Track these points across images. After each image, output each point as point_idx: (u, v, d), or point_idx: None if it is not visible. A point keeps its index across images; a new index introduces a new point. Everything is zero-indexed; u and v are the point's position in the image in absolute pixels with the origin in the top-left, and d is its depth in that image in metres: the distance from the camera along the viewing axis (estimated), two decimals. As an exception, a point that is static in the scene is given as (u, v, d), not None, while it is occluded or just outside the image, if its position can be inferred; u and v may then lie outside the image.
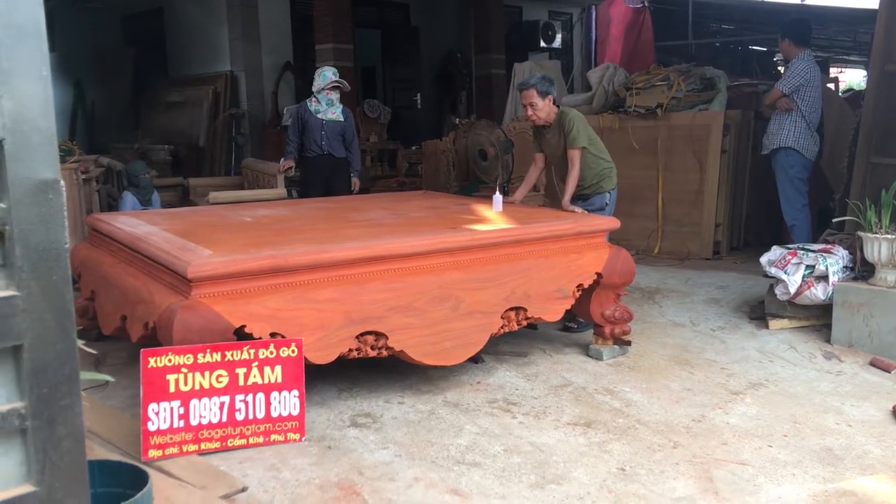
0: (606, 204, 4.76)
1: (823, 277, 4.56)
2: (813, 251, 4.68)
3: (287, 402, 3.24)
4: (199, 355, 3.09)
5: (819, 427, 3.48)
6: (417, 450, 3.22)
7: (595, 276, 4.13)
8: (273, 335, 3.25)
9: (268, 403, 3.22)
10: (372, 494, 2.86)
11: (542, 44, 13.36)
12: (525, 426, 3.46)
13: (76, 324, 3.89)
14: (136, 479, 2.10)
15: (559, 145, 4.76)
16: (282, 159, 6.33)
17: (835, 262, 4.57)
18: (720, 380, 4.05)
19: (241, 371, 3.17)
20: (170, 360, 3.04)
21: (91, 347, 3.06)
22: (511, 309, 3.85)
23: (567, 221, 4.18)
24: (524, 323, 3.96)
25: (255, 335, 3.22)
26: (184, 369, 3.06)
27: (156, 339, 3.24)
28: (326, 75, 6.11)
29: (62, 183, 1.34)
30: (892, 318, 4.28)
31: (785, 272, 4.64)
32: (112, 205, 6.92)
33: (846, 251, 4.68)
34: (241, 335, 3.21)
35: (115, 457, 2.88)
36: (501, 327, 3.83)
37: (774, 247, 4.91)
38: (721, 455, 3.20)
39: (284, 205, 5.23)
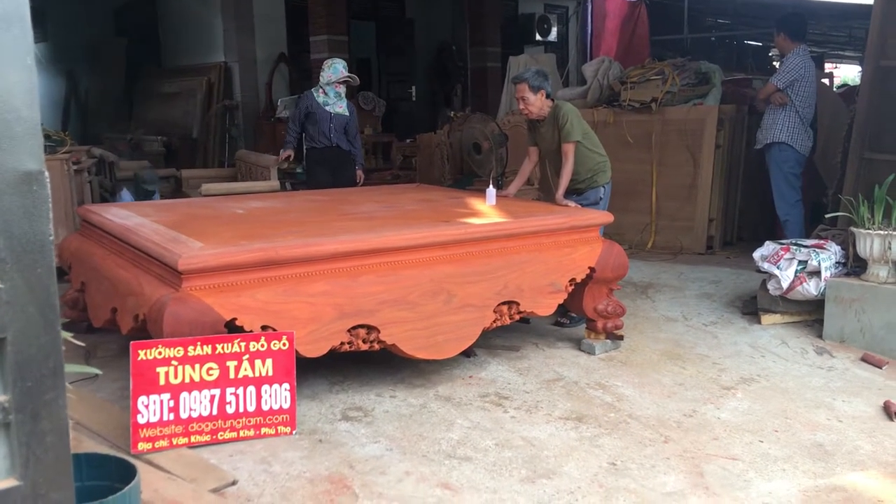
0: (601, 198, 4.76)
1: (816, 273, 4.56)
2: (806, 246, 4.69)
3: (278, 396, 3.23)
4: (190, 348, 3.07)
5: (810, 422, 3.48)
6: (409, 444, 3.22)
7: (588, 271, 4.12)
8: (264, 328, 3.23)
9: (258, 397, 3.20)
10: (362, 488, 2.85)
11: (538, 37, 13.34)
12: (517, 420, 3.46)
13: (66, 315, 3.87)
14: (124, 472, 2.09)
15: (553, 139, 4.75)
16: (281, 150, 6.27)
17: (827, 257, 4.57)
18: (712, 375, 4.05)
19: (231, 364, 3.16)
20: (160, 353, 3.02)
21: (81, 339, 3.05)
22: (503, 303, 3.84)
23: (560, 216, 4.17)
24: (517, 317, 3.95)
25: (246, 328, 3.20)
26: (174, 362, 3.05)
27: (146, 331, 3.22)
28: (337, 69, 6.02)
29: (47, 174, 1.32)
30: (884, 313, 4.29)
31: (777, 267, 4.64)
32: (105, 197, 6.89)
33: (839, 247, 4.69)
34: (233, 328, 3.20)
35: (104, 449, 2.87)
36: (494, 321, 3.82)
37: (767, 242, 4.91)
38: (712, 450, 3.21)
39: (277, 197, 5.21)
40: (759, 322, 4.83)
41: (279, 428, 3.23)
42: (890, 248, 4.26)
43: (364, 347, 3.49)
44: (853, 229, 4.45)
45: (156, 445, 3.00)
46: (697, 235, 6.79)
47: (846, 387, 3.91)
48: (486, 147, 6.33)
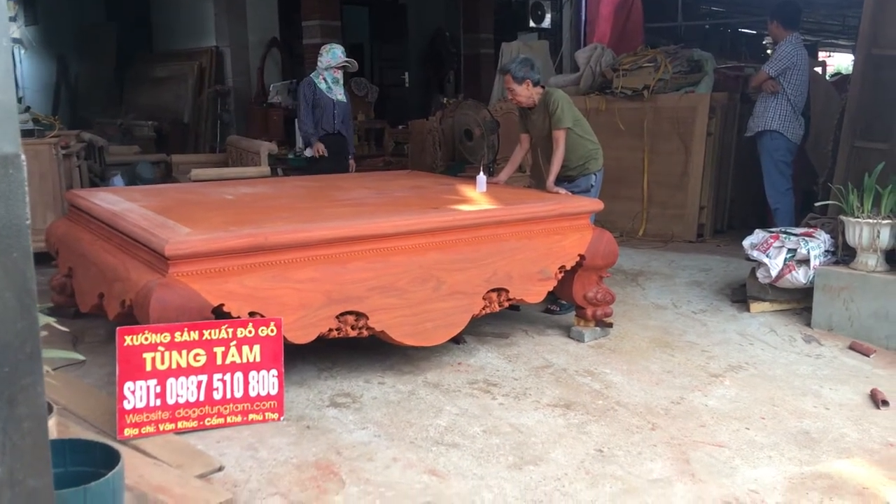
0: (592, 185, 4.75)
1: (805, 261, 4.57)
2: (795, 235, 4.69)
3: (266, 382, 3.22)
4: (177, 334, 3.06)
5: (797, 410, 3.50)
6: (396, 430, 3.22)
7: (578, 258, 4.12)
8: (252, 314, 3.22)
9: (246, 383, 3.20)
10: (349, 474, 2.85)
11: (532, 23, 13.28)
12: (505, 407, 3.46)
13: (53, 301, 3.85)
14: (109, 458, 2.08)
15: (544, 126, 4.73)
16: (307, 148, 6.07)
17: (816, 245, 4.58)
18: (700, 362, 4.06)
19: (219, 350, 3.15)
20: (146, 339, 3.01)
21: (68, 325, 3.04)
22: (493, 290, 3.84)
23: (550, 203, 4.16)
24: (506, 304, 3.95)
25: (234, 314, 3.19)
26: (161, 348, 3.03)
27: (133, 317, 3.21)
28: (336, 54, 5.95)
29: (23, 157, 1.30)
30: (872, 302, 4.30)
31: (767, 255, 4.65)
32: (94, 182, 6.85)
33: (828, 235, 4.69)
34: (220, 314, 3.18)
35: (90, 435, 2.86)
36: (483, 308, 3.82)
37: (757, 230, 4.91)
38: (699, 437, 3.22)
39: (267, 183, 5.19)
40: (748, 310, 4.84)
41: (267, 414, 3.23)
42: (879, 237, 4.27)
43: (353, 334, 3.48)
44: (842, 218, 4.45)
45: (142, 431, 2.99)
46: (688, 223, 6.79)
47: (834, 375, 3.92)
48: (478, 134, 6.31)
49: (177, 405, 3.08)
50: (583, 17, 14.44)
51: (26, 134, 5.41)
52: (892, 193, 4.25)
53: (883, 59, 5.38)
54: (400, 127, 9.85)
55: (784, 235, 4.69)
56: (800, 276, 4.58)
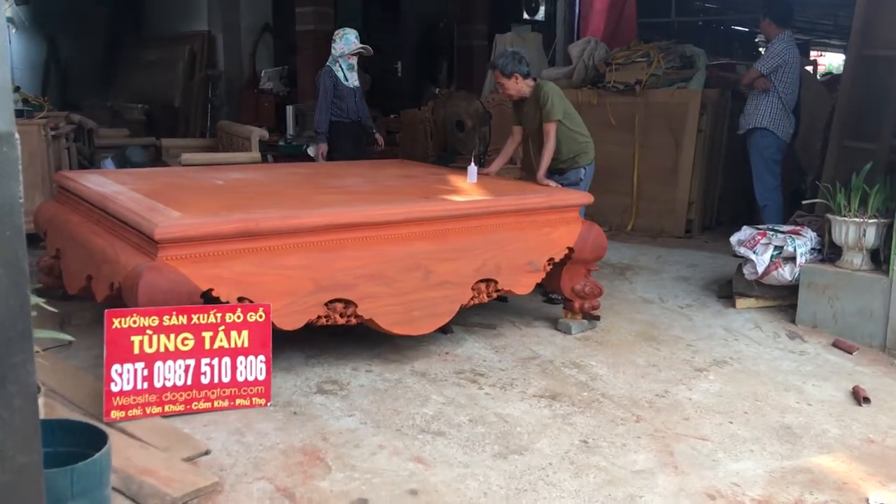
0: (581, 179, 4.76)
1: (791, 258, 4.61)
2: (782, 232, 4.73)
3: (253, 367, 3.23)
4: (165, 317, 3.07)
5: (779, 405, 3.54)
6: (383, 418, 3.23)
7: (566, 251, 4.14)
8: (241, 300, 3.23)
9: (234, 368, 3.20)
10: (335, 460, 2.87)
11: (526, 15, 13.27)
12: (491, 397, 3.48)
13: (41, 282, 3.83)
14: (96, 439, 2.09)
15: (535, 118, 4.74)
16: (311, 145, 5.95)
17: (803, 243, 4.61)
18: (685, 356, 4.10)
19: (207, 335, 3.15)
20: (134, 322, 3.01)
21: (56, 307, 3.03)
22: (482, 280, 3.85)
23: (540, 195, 4.18)
24: (494, 295, 3.96)
25: (223, 299, 3.20)
26: (149, 331, 3.04)
27: (121, 299, 3.21)
28: (349, 39, 5.80)
29: (17, 136, 1.30)
30: (856, 300, 4.34)
31: (754, 252, 4.68)
32: (83, 164, 6.81)
33: (815, 233, 4.73)
34: (209, 299, 3.19)
35: (76, 416, 2.86)
36: (472, 299, 3.84)
37: (744, 227, 4.95)
38: (682, 430, 3.25)
39: (258, 169, 5.17)
40: (733, 306, 4.88)
41: (254, 399, 3.24)
42: (865, 236, 4.31)
43: (341, 321, 3.49)
44: (829, 216, 4.49)
45: (129, 414, 2.99)
46: (677, 219, 6.82)
47: (817, 371, 3.96)
48: (470, 125, 6.32)
49: (164, 388, 3.08)
50: (577, 11, 14.48)
51: (16, 114, 5.37)
52: (879, 193, 4.29)
53: (873, 60, 5.42)
54: (392, 116, 9.84)
55: (771, 233, 4.72)
56: (786, 274, 4.62)
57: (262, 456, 2.87)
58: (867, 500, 2.77)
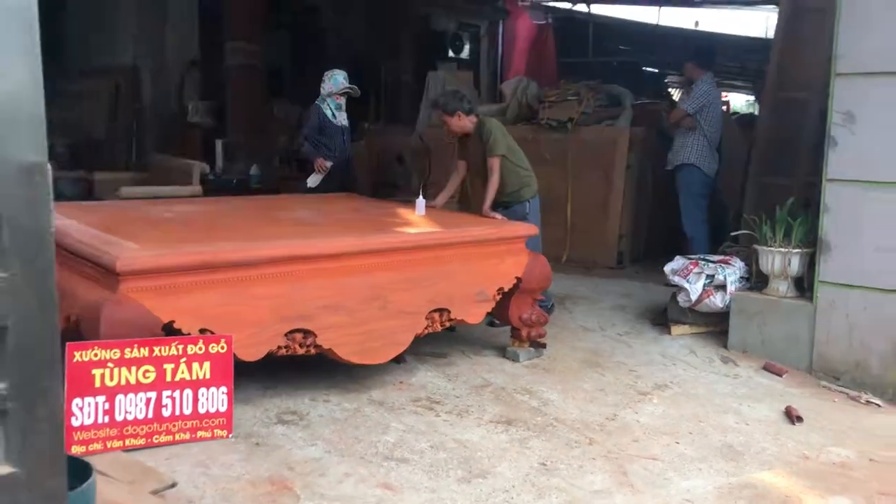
0: (527, 213, 4.93)
1: (722, 287, 4.87)
2: (713, 262, 5.00)
3: (215, 399, 3.23)
4: (126, 350, 3.04)
5: (720, 426, 3.73)
6: (346, 446, 3.27)
7: (515, 281, 4.28)
8: (202, 331, 3.23)
9: (195, 400, 3.19)
10: (304, 489, 2.89)
11: (451, 53, 13.58)
12: (449, 424, 3.56)
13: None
14: (80, 470, 2.07)
15: (479, 154, 4.91)
16: (310, 176, 5.97)
17: (732, 272, 4.89)
18: (629, 381, 4.27)
19: (168, 367, 3.14)
20: (96, 355, 2.98)
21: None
22: (435, 310, 3.95)
23: (490, 227, 4.32)
24: (447, 324, 4.06)
25: (185, 331, 3.19)
26: (110, 364, 3.01)
27: (78, 332, 3.16)
28: (338, 80, 5.93)
29: (49, 166, 1.35)
30: (783, 325, 4.62)
31: (687, 281, 4.93)
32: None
33: (743, 263, 5.02)
34: (171, 331, 3.18)
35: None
36: (426, 328, 3.92)
37: (677, 257, 5.20)
38: (634, 451, 3.40)
39: (206, 202, 5.16)
40: (669, 332, 5.11)
41: (215, 431, 3.23)
42: (790, 265, 4.60)
43: (301, 352, 3.52)
44: (756, 247, 4.78)
45: (90, 448, 2.95)
46: (609, 250, 7.09)
47: (750, 393, 4.19)
48: (408, 159, 6.44)
49: (125, 422, 3.05)
50: (500, 51, 14.92)
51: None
52: (801, 225, 4.60)
53: (788, 102, 5.82)
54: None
55: (703, 262, 4.99)
56: (717, 301, 4.87)
57: (230, 487, 2.86)
58: (809, 511, 2.96)
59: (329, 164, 5.87)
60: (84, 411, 2.95)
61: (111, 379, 3.01)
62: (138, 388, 3.08)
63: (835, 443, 3.60)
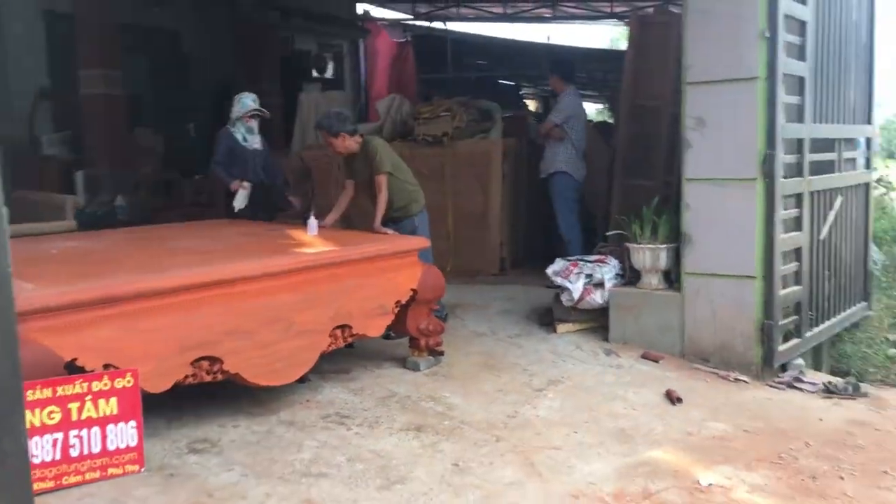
0: (416, 227, 5.09)
1: (600, 284, 5.22)
2: (590, 262, 5.34)
3: (124, 434, 3.19)
4: (29, 392, 2.96)
5: (611, 413, 4.02)
6: (262, 468, 3.31)
7: (411, 293, 4.43)
8: (107, 366, 3.19)
9: (104, 437, 3.15)
10: (227, 513, 2.91)
11: (315, 73, 13.61)
12: (361, 436, 3.66)
13: None
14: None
15: (365, 172, 5.04)
16: (233, 182, 5.82)
17: (609, 270, 5.25)
18: (524, 380, 4.51)
19: (73, 406, 3.08)
20: (-3, 400, 2.88)
21: None
22: (338, 327, 4.04)
23: (385, 242, 4.46)
24: (350, 339, 4.16)
25: (88, 367, 3.14)
26: (13, 408, 2.92)
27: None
28: (246, 103, 5.84)
29: (6, 210, 1.39)
30: (657, 316, 5.01)
31: (569, 281, 5.24)
32: None
33: (617, 261, 5.39)
34: (73, 368, 3.12)
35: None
36: (330, 345, 4.01)
37: (558, 259, 5.52)
38: (537, 443, 3.62)
39: (88, 236, 4.99)
40: (555, 331, 5.41)
41: (127, 467, 3.19)
42: (659, 259, 4.99)
43: (208, 379, 3.53)
44: (628, 244, 5.15)
45: (-2, 497, 2.85)
46: (491, 258, 7.37)
47: (634, 380, 4.53)
48: (291, 181, 6.47)
49: (32, 466, 2.96)
50: (363, 69, 15.09)
51: None
52: (666, 222, 5.00)
53: (642, 109, 6.30)
54: (197, 177, 9.68)
55: (581, 263, 5.32)
56: (597, 298, 5.21)
57: (151, 520, 2.85)
58: (698, 481, 3.26)
59: (248, 183, 5.81)
60: (-11, 459, 2.85)
61: (15, 423, 2.92)
62: (43, 430, 3.00)
63: (712, 418, 3.96)
